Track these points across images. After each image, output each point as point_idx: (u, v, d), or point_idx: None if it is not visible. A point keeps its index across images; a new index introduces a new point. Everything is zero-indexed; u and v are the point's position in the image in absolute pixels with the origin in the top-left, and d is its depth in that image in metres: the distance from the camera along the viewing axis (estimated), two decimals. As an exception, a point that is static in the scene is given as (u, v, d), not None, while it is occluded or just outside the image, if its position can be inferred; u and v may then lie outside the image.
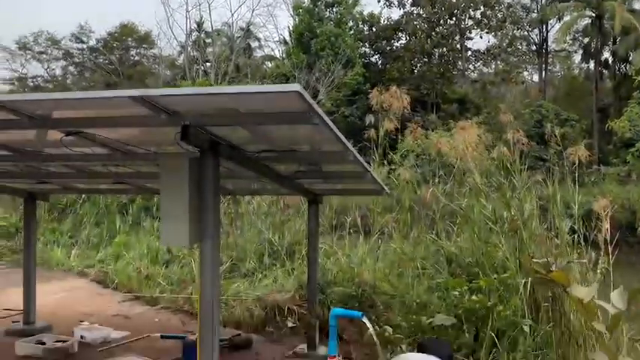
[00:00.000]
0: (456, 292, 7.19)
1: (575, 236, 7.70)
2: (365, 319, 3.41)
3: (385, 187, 6.79)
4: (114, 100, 3.62)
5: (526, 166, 8.44)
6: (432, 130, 11.66)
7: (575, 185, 8.18)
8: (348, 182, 6.70)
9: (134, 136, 4.67)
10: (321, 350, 6.65)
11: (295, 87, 3.03)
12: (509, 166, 8.15)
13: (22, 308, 7.77)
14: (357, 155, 4.91)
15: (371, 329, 3.47)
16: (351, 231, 11.35)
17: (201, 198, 4.14)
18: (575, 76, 32.09)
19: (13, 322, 7.91)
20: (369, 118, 11.22)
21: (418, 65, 25.63)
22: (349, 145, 4.56)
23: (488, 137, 9.35)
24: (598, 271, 7.28)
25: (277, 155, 4.89)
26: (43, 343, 6.52)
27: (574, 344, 6.39)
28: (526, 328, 6.20)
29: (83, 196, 15.76)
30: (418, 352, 3.34)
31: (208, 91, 3.69)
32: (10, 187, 7.75)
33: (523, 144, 8.42)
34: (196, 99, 3.55)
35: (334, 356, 3.46)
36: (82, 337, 7.08)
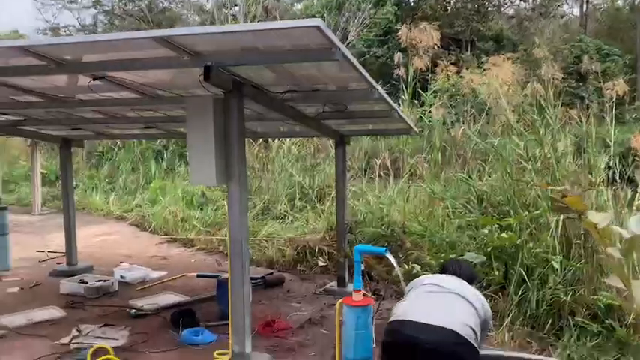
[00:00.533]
0: (486, 231, 7.19)
1: (611, 173, 7.53)
2: (388, 254, 3.45)
3: (414, 127, 6.71)
4: (137, 41, 3.64)
5: (561, 103, 8.16)
6: (467, 69, 11.31)
7: (613, 122, 7.93)
8: (376, 122, 6.64)
9: (161, 80, 4.72)
10: (351, 287, 6.78)
11: (316, 22, 2.99)
12: (542, 102, 7.91)
13: (64, 251, 8.11)
14: (383, 93, 4.84)
15: (394, 263, 3.51)
16: (382, 174, 11.35)
17: (226, 139, 4.19)
18: (619, 9, 30.37)
19: (58, 263, 8.28)
20: (398, 57, 10.90)
21: (452, 2, 24.67)
22: (374, 82, 4.49)
23: (522, 74, 9.07)
24: (633, 207, 7.15)
25: (301, 95, 4.87)
26: (85, 283, 6.83)
27: (606, 280, 6.33)
28: (556, 265, 6.18)
29: (118, 143, 16.09)
30: (441, 273, 3.36)
31: (228, 30, 3.67)
32: (46, 134, 7.95)
33: (558, 80, 8.16)
34: (217, 38, 3.53)
35: (359, 290, 3.53)
36: (121, 276, 7.38)
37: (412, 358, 2.75)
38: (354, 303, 3.51)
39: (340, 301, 3.62)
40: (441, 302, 2.94)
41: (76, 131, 7.74)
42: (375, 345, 3.58)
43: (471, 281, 3.29)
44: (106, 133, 8.44)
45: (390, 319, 2.96)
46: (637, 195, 7.16)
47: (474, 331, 2.73)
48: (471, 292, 3.06)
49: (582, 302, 5.93)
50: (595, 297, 5.87)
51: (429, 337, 2.68)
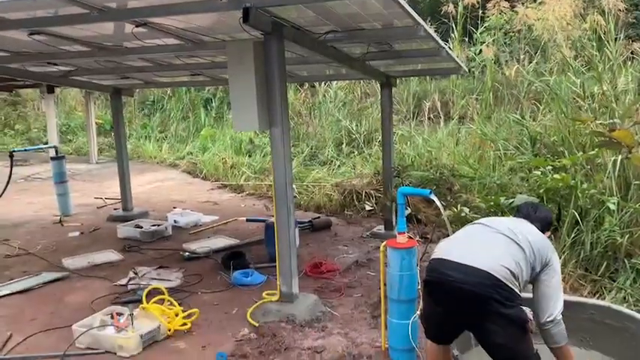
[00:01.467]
0: (539, 172, 6.97)
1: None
2: (433, 196, 3.39)
3: (463, 66, 6.45)
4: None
5: (623, 36, 7.67)
6: (522, 4, 10.70)
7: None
8: (423, 62, 6.43)
9: (203, 25, 4.67)
10: (398, 231, 6.79)
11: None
12: (602, 36, 7.45)
13: (120, 197, 8.41)
14: (429, 29, 4.65)
15: (440, 205, 3.45)
16: (431, 116, 11.10)
17: (268, 82, 4.15)
18: None
19: (115, 209, 8.61)
20: (447, -8, 10.44)
21: None
22: (419, 19, 4.32)
23: (581, 6, 8.53)
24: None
25: (344, 35, 4.75)
26: (141, 227, 7.10)
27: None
28: (612, 206, 5.95)
29: (168, 92, 16.31)
30: (516, 215, 3.23)
31: (266, -32, 3.56)
32: (97, 84, 8.11)
33: (621, 10, 7.64)
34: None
35: (403, 232, 3.50)
36: (175, 221, 7.63)
37: (447, 296, 2.73)
38: (398, 245, 3.48)
39: (384, 243, 3.61)
40: (482, 242, 2.84)
41: (126, 80, 7.87)
42: (419, 287, 3.58)
43: (544, 227, 3.10)
44: (154, 81, 8.55)
45: (431, 257, 2.93)
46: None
47: (513, 274, 2.64)
48: (528, 236, 2.83)
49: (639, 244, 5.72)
50: (653, 239, 5.66)
51: (463, 277, 2.63)
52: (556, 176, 6.27)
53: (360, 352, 3.79)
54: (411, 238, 3.60)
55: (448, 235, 3.13)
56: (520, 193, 6.91)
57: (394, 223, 6.83)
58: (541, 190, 6.42)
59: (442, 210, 3.48)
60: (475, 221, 3.15)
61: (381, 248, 3.66)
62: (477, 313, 2.66)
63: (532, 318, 2.80)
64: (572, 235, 6.00)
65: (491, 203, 6.33)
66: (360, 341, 3.96)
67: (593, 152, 6.72)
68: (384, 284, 3.68)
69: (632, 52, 7.59)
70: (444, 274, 2.73)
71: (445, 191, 7.43)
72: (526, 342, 2.69)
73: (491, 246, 2.78)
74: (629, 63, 7.68)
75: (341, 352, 3.80)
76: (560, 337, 2.79)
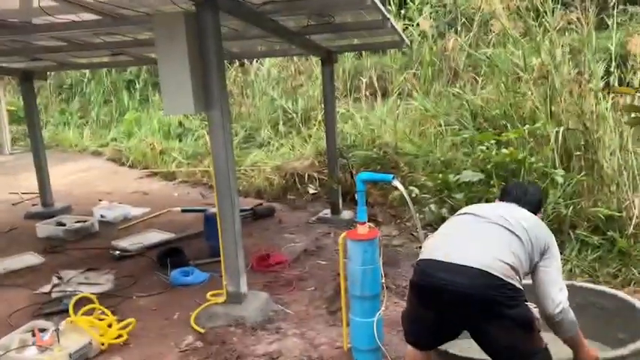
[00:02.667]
0: (483, 147, 6.85)
1: (611, 79, 7.15)
2: (396, 182, 3.07)
3: (406, 39, 6.17)
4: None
5: (559, 6, 7.63)
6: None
7: (614, 25, 7.46)
8: (365, 36, 6.08)
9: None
10: (345, 215, 6.50)
11: None
12: (539, 6, 7.37)
13: (38, 191, 7.65)
14: (376, -1, 4.30)
15: (404, 192, 3.15)
16: (367, 93, 10.83)
17: (203, 59, 3.68)
18: None
19: (33, 205, 7.84)
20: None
21: None
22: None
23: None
24: (632, 115, 6.84)
25: (283, 6, 4.31)
26: (64, 225, 6.44)
27: (606, 192, 6.11)
28: (559, 179, 5.90)
29: (87, 74, 15.24)
30: (500, 199, 2.90)
31: None
32: (2, 67, 7.26)
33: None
34: None
35: (364, 222, 3.16)
36: (101, 216, 6.99)
37: (441, 301, 2.40)
38: (359, 237, 3.16)
39: (343, 235, 3.27)
40: (475, 236, 2.52)
41: (37, 62, 7.08)
42: (383, 280, 3.28)
43: (536, 209, 2.80)
44: (70, 63, 7.75)
45: (419, 257, 2.60)
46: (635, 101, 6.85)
47: (513, 268, 2.36)
48: (523, 223, 2.54)
49: (583, 215, 5.74)
50: (595, 209, 5.67)
51: (459, 279, 2.31)
52: (504, 151, 6.16)
53: (320, 354, 3.46)
54: (372, 227, 3.27)
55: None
56: (465, 169, 6.79)
57: (341, 206, 6.54)
58: (488, 166, 6.28)
59: (406, 196, 3.17)
60: (462, 211, 2.81)
61: (340, 240, 3.31)
62: (477, 316, 2.35)
63: (539, 316, 2.52)
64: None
65: (439, 181, 6.14)
66: (319, 342, 3.63)
67: (538, 125, 6.68)
68: (345, 280, 3.36)
69: (568, 23, 7.54)
70: (435, 278, 2.40)
71: (390, 170, 7.19)
72: (533, 340, 2.40)
73: (486, 240, 2.47)
74: (567, 34, 7.65)
75: (299, 356, 3.45)
76: (572, 325, 2.50)
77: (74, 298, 4.01)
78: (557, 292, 2.46)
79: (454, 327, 2.52)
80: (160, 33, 3.71)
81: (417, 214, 4.77)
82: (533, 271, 2.53)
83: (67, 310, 3.88)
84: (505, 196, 2.90)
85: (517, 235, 2.46)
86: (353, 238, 3.17)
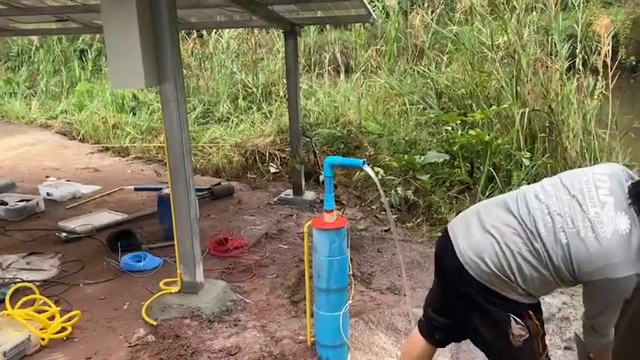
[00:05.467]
0: (449, 127, 6.71)
1: (577, 61, 7.08)
2: (366, 168, 2.84)
3: (373, 13, 5.89)
4: None
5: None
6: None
7: (581, 5, 7.37)
8: (330, 8, 5.78)
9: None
10: (308, 195, 6.26)
11: None
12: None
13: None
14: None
15: (374, 178, 2.92)
16: (330, 69, 10.55)
17: (155, 28, 3.32)
18: None
19: (-28, 181, 7.30)
20: None
21: None
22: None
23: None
24: (595, 97, 6.82)
25: (246, -28, 3.98)
26: (5, 204, 5.97)
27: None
28: (527, 162, 5.82)
29: (36, 42, 14.36)
30: None
31: None
32: None
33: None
34: None
35: (331, 210, 2.93)
36: (48, 194, 6.51)
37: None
38: (326, 226, 2.92)
39: (309, 224, 3.02)
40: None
41: (-27, 27, 6.50)
42: (351, 272, 3.07)
43: None
44: (12, 29, 7.17)
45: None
46: (598, 84, 6.82)
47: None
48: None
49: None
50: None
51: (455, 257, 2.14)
52: (471, 132, 6.02)
53: (281, 350, 3.23)
54: (340, 215, 3.04)
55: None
56: (429, 150, 6.65)
57: (303, 187, 6.30)
58: (455, 147, 6.15)
59: (377, 182, 2.94)
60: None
61: (305, 229, 3.07)
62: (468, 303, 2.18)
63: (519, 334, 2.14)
64: (487, 193, 5.82)
65: (404, 162, 5.96)
66: (281, 335, 3.40)
67: (504, 105, 6.57)
68: (309, 267, 3.13)
69: (536, 1, 7.43)
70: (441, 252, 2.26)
71: (354, 150, 6.99)
72: (512, 349, 2.15)
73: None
74: (534, 13, 7.53)
75: (259, 352, 3.22)
76: (594, 344, 2.27)
77: (11, 289, 3.65)
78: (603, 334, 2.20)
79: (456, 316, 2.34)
80: (107, -1, 3.33)
81: (387, 199, 4.60)
82: None
83: (3, 301, 3.54)
84: None
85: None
86: (319, 228, 2.93)
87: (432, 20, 8.88)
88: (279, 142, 7.61)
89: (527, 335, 2.10)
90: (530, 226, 2.04)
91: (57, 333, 3.41)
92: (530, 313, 2.12)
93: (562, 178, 2.15)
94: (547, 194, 2.09)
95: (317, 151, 6.70)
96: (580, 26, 7.22)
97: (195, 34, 12.07)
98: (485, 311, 2.13)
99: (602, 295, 2.01)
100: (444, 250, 2.23)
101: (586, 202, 1.99)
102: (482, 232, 2.14)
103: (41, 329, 3.38)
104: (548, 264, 2.01)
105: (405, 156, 6.05)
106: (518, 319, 2.09)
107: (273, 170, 7.23)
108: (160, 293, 3.81)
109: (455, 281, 2.20)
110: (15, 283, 4.03)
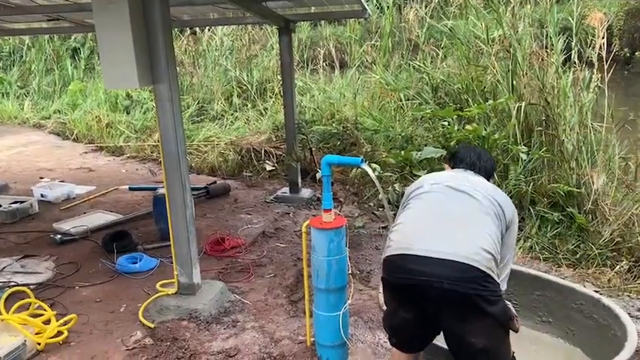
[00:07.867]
0: (446, 122, 6.67)
1: (572, 54, 7.05)
2: (365, 166, 2.81)
3: (368, 8, 5.85)
4: None
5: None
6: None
7: (576, -1, 7.35)
8: (324, 4, 5.72)
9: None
10: (305, 193, 6.22)
11: None
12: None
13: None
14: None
15: (372, 176, 2.88)
16: (325, 65, 10.49)
17: (148, 27, 3.27)
18: None
19: (-34, 183, 7.23)
20: None
21: None
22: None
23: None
24: (590, 90, 6.80)
25: (239, -32, 3.92)
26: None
27: (566, 168, 6.06)
28: (524, 156, 5.80)
29: (27, 41, 14.24)
30: (455, 165, 2.61)
31: None
32: None
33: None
34: None
35: (329, 209, 2.89)
36: (42, 195, 6.47)
37: (422, 299, 2.16)
38: (325, 225, 2.89)
39: (307, 224, 2.99)
40: (452, 218, 2.23)
41: (-37, 27, 6.42)
42: (350, 271, 3.03)
43: (490, 177, 2.56)
44: (2, 28, 7.10)
45: (387, 251, 2.28)
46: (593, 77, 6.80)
47: (494, 257, 2.12)
48: (490, 195, 2.28)
49: (543, 191, 5.69)
50: (555, 185, 5.62)
51: (441, 272, 2.06)
52: (468, 127, 5.99)
53: (281, 351, 3.20)
54: (338, 214, 3.01)
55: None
56: (426, 145, 6.61)
57: (300, 184, 6.25)
58: (451, 142, 6.11)
59: (375, 180, 2.90)
60: (425, 180, 2.50)
61: (304, 229, 3.03)
62: (458, 314, 2.11)
63: (516, 314, 2.32)
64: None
65: (400, 159, 5.92)
66: (280, 335, 3.37)
67: (501, 100, 6.53)
68: (307, 266, 3.09)
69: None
70: (414, 273, 2.12)
71: (350, 147, 6.95)
72: (507, 343, 2.21)
73: (465, 222, 2.20)
74: (528, 6, 7.49)
75: (259, 353, 3.19)
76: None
77: (5, 293, 3.60)
78: (508, 274, 2.34)
79: (434, 328, 2.29)
80: (98, -4, 3.28)
81: (385, 196, 4.55)
82: None
83: (-2, 306, 3.49)
84: (458, 163, 2.59)
85: (490, 213, 2.23)
86: (317, 227, 2.90)
87: (426, 14, 8.82)
88: (274, 139, 7.56)
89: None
90: (478, 203, 2.25)
91: (53, 337, 3.37)
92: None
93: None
94: (457, 181, 2.39)
95: (313, 148, 6.66)
96: (574, 19, 7.20)
97: (188, 32, 11.99)
98: (491, 315, 2.10)
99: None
100: (426, 272, 2.11)
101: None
102: (459, 230, 2.18)
103: (37, 334, 3.34)
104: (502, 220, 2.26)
105: (402, 152, 6.01)
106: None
107: (269, 168, 7.18)
108: (157, 295, 3.77)
109: (449, 305, 2.13)
110: (9, 287, 3.98)
